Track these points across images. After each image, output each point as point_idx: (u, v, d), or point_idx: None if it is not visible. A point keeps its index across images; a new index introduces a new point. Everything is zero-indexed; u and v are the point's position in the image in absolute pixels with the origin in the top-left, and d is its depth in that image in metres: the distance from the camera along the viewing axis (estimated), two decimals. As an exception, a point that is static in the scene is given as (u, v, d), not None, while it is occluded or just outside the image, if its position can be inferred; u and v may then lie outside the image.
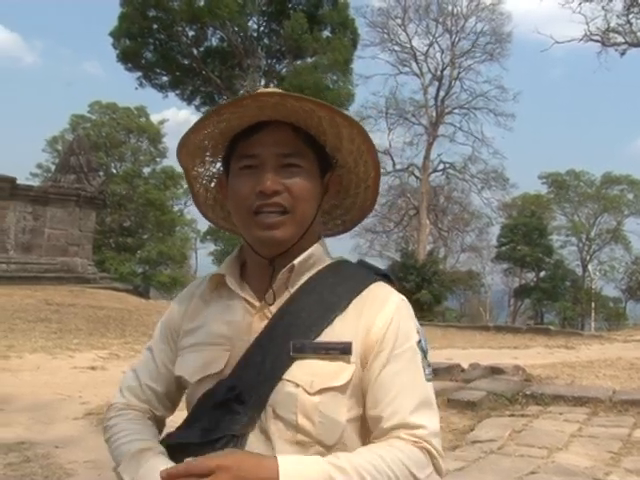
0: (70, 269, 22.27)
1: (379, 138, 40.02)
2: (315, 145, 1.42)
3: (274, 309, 1.41)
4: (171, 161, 54.49)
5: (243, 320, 1.43)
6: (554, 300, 47.50)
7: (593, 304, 51.51)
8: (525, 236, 47.21)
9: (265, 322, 1.40)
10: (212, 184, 1.57)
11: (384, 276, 1.48)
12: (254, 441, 1.33)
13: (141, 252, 44.44)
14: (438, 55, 42.79)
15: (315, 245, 1.46)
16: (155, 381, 1.54)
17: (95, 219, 24.57)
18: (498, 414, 7.95)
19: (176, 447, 1.36)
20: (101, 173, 27.22)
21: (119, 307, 17.59)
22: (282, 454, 1.28)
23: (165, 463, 1.32)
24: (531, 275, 51.16)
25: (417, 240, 41.53)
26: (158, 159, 50.03)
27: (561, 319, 48.35)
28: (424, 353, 1.41)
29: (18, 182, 21.62)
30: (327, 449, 1.33)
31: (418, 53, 42.80)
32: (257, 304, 1.43)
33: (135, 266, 43.85)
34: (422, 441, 1.32)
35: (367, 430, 1.40)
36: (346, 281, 1.42)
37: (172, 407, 1.58)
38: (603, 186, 53.54)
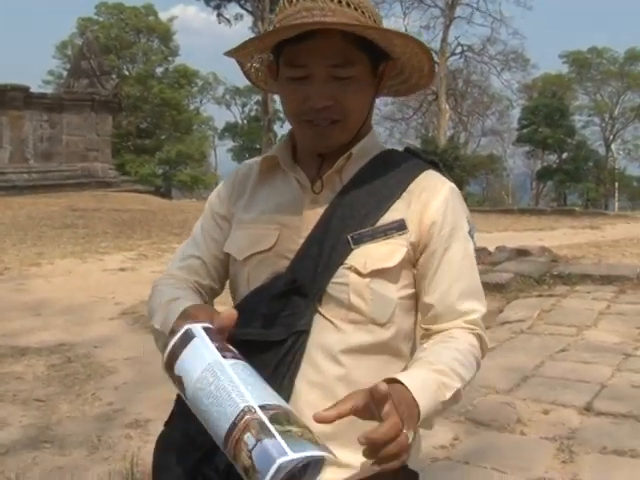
0: (91, 174, 22.36)
1: (394, 23, 38.91)
2: (366, 44, 1.35)
3: (326, 197, 1.41)
4: (184, 59, 53.76)
5: (294, 202, 1.43)
6: (577, 181, 47.12)
7: (617, 184, 51.07)
8: (546, 117, 46.39)
9: (317, 208, 1.40)
10: (262, 65, 1.52)
11: (432, 163, 1.48)
12: (317, 330, 1.35)
13: (160, 153, 44.31)
14: None
15: (369, 134, 1.46)
16: (199, 250, 1.53)
17: (112, 123, 24.46)
18: (526, 295, 8.03)
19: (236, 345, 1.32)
20: (114, 76, 26.93)
21: (143, 209, 17.72)
22: (341, 333, 1.35)
23: (193, 302, 1.33)
24: (553, 157, 50.59)
25: (437, 126, 41.03)
26: (170, 58, 49.28)
27: (584, 200, 48.05)
28: (473, 241, 1.45)
29: (31, 90, 21.44)
30: (380, 327, 1.37)
31: None
32: (309, 186, 1.43)
33: (155, 167, 43.91)
34: (477, 328, 1.41)
35: (415, 309, 1.46)
36: (397, 171, 1.42)
37: (219, 279, 1.56)
38: (627, 63, 51.74)
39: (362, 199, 1.39)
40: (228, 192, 1.55)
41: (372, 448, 1.09)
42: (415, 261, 1.40)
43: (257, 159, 1.55)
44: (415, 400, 1.18)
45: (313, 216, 1.40)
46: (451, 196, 1.42)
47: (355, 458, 1.35)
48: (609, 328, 6.74)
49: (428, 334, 1.41)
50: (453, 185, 1.45)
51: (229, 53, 1.41)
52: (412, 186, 1.41)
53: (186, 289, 1.46)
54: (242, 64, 1.51)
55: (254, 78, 1.55)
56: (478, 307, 1.42)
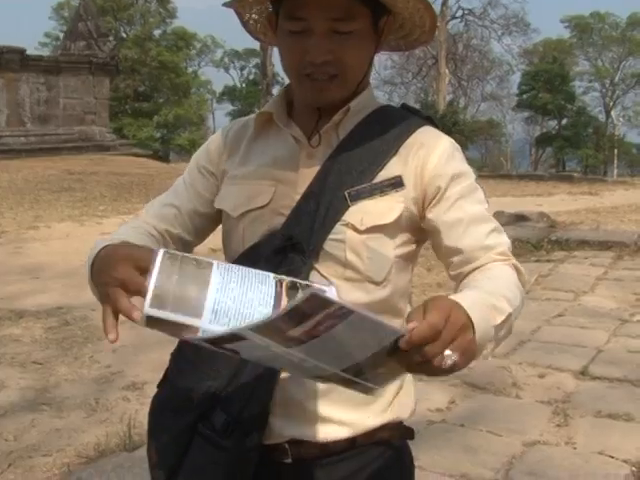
0: (88, 138, 22.20)
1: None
2: None
3: (323, 153, 1.39)
4: (182, 21, 53.21)
5: (290, 157, 1.41)
6: (576, 148, 46.98)
7: (616, 151, 50.86)
8: (547, 83, 46.11)
9: (313, 163, 1.38)
10: (261, 16, 1.48)
11: (428, 119, 1.46)
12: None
13: (158, 116, 44.00)
14: None
15: (367, 90, 1.44)
16: (178, 199, 1.49)
17: (109, 85, 24.22)
18: (524, 260, 8.02)
19: None
20: (111, 38, 26.60)
21: (141, 172, 17.65)
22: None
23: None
24: (553, 123, 50.41)
25: (436, 90, 40.77)
26: (168, 20, 48.76)
27: (583, 167, 47.94)
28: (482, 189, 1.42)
29: (28, 53, 21.21)
30: (376, 285, 1.35)
31: None
32: (305, 142, 1.40)
33: (153, 131, 43.64)
34: (510, 258, 1.34)
35: (412, 267, 1.44)
36: (394, 126, 1.40)
37: (195, 232, 1.51)
38: (629, 28, 51.28)
39: (359, 154, 1.37)
40: (219, 149, 1.51)
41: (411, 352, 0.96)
42: (420, 217, 1.38)
43: (251, 116, 1.52)
44: (468, 315, 1.04)
45: (309, 172, 1.38)
46: (451, 148, 1.40)
47: (354, 415, 1.38)
48: (606, 294, 6.78)
49: (461, 278, 1.34)
50: (451, 139, 1.42)
51: (228, 4, 1.38)
52: (409, 141, 1.38)
53: (141, 234, 1.40)
54: (241, 15, 1.46)
55: (253, 29, 1.51)
56: (504, 240, 1.37)
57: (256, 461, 1.35)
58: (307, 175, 1.38)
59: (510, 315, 1.19)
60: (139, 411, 3.95)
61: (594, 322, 5.76)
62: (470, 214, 1.35)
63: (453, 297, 1.09)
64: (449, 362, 0.99)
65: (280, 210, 1.38)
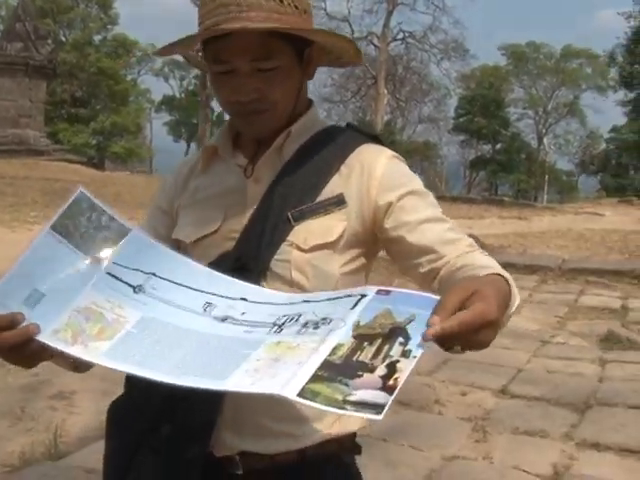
0: (22, 141, 21.79)
1: (337, 5, 38.88)
2: (288, 34, 1.36)
3: (268, 177, 1.44)
4: (123, 28, 52.64)
5: (236, 185, 1.46)
6: (509, 172, 48.18)
7: (547, 177, 52.31)
8: (482, 108, 47.29)
9: (259, 188, 1.44)
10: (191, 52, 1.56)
11: (374, 138, 1.50)
12: None
13: (94, 123, 43.32)
14: None
15: (309, 111, 1.50)
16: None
17: (46, 89, 23.86)
18: (452, 282, 8.21)
19: None
20: (49, 41, 26.18)
21: (74, 179, 17.34)
22: None
23: None
24: (487, 147, 51.64)
25: (374, 110, 41.26)
26: (109, 26, 48.18)
27: (515, 191, 49.14)
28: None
29: (-38, 50, 20.75)
30: None
31: None
32: (250, 169, 1.46)
33: (89, 137, 42.94)
34: (478, 248, 1.36)
35: (365, 281, 1.46)
36: (336, 146, 1.46)
37: None
38: (562, 59, 52.95)
39: (302, 176, 1.42)
40: (172, 188, 1.58)
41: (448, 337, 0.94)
42: (370, 231, 1.41)
43: (200, 151, 1.59)
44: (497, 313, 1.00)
45: (256, 196, 1.43)
46: (393, 160, 1.45)
47: (305, 429, 1.42)
48: (529, 316, 7.01)
49: (434, 274, 1.33)
50: (394, 153, 1.46)
51: (156, 53, 1.44)
52: (350, 160, 1.43)
53: None
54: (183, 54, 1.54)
55: (194, 62, 1.59)
56: (466, 235, 1.40)
57: (200, 472, 1.38)
58: (254, 199, 1.43)
59: (517, 305, 1.18)
60: (66, 420, 3.91)
61: (516, 343, 5.96)
62: (429, 215, 1.39)
63: (484, 286, 1.03)
64: (452, 351, 0.98)
65: (231, 235, 1.43)
